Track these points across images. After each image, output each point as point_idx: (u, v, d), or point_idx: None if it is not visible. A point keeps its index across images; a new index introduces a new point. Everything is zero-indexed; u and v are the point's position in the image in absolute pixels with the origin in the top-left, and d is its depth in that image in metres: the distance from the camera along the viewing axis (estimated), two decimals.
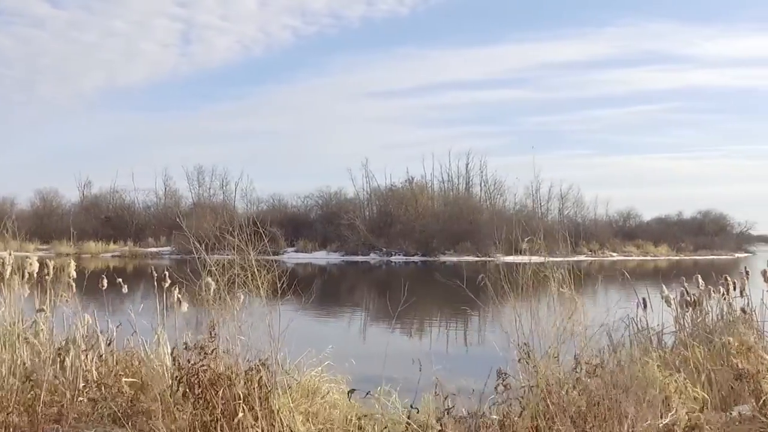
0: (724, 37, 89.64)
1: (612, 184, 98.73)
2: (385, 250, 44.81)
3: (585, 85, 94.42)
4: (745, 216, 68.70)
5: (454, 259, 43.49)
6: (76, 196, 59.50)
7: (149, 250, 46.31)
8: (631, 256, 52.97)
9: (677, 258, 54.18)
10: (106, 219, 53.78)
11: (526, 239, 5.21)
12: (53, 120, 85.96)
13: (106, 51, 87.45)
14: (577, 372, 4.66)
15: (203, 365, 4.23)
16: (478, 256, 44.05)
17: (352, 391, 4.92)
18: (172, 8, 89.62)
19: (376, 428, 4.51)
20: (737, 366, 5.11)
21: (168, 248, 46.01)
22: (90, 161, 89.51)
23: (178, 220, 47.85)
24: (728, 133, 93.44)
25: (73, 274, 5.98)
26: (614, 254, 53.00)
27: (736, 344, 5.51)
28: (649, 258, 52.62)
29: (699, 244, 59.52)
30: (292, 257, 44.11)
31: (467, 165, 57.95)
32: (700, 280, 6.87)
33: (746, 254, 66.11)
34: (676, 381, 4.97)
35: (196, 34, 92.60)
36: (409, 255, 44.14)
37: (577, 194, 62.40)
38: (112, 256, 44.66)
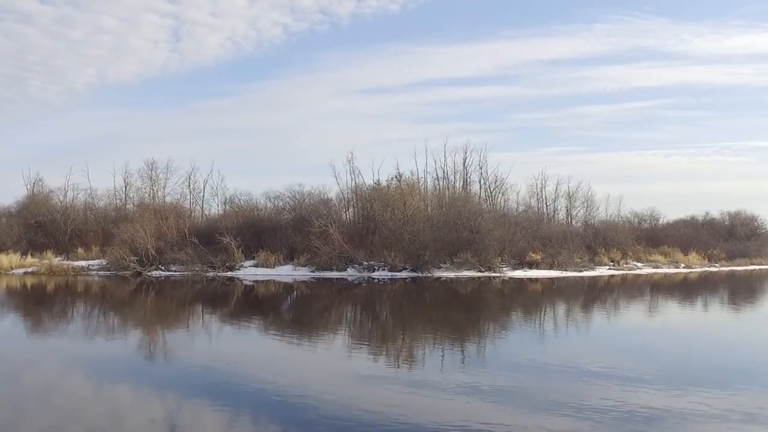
0: (714, 34, 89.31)
1: (606, 181, 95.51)
2: (365, 263, 36.34)
3: (576, 82, 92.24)
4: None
5: (452, 274, 35.16)
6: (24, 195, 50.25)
7: (77, 263, 37.50)
8: (661, 267, 44.67)
9: (713, 269, 46.05)
10: (36, 224, 44.98)
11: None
12: (42, 117, 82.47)
13: (95, 47, 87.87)
14: None
15: None
16: (480, 271, 35.81)
17: None
18: (162, 4, 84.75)
19: None
20: None
21: (98, 262, 37.36)
22: (72, 158, 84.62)
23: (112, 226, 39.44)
24: (720, 129, 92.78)
25: None
26: (639, 264, 44.75)
27: None
28: (682, 270, 44.37)
29: (732, 251, 51.21)
30: (249, 273, 35.56)
31: (465, 160, 49.88)
32: None
33: None
34: None
35: (186, 31, 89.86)
36: (396, 269, 35.69)
37: (587, 192, 54.35)
38: (25, 273, 35.81)
